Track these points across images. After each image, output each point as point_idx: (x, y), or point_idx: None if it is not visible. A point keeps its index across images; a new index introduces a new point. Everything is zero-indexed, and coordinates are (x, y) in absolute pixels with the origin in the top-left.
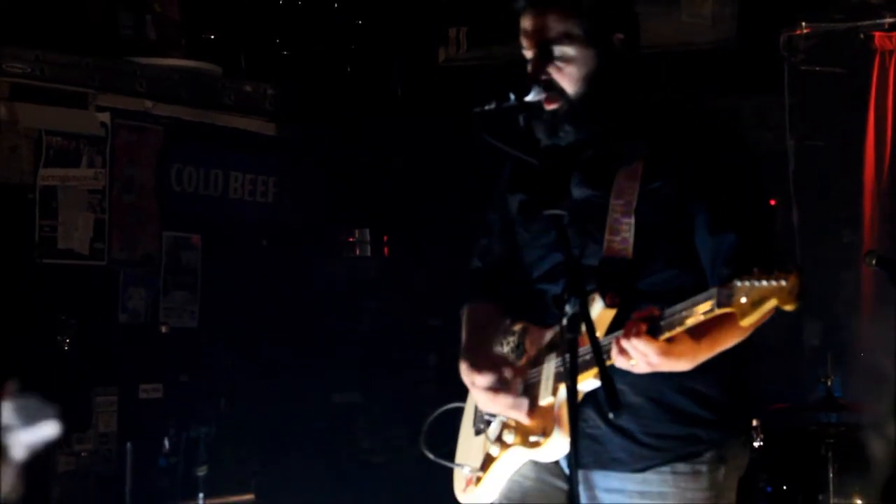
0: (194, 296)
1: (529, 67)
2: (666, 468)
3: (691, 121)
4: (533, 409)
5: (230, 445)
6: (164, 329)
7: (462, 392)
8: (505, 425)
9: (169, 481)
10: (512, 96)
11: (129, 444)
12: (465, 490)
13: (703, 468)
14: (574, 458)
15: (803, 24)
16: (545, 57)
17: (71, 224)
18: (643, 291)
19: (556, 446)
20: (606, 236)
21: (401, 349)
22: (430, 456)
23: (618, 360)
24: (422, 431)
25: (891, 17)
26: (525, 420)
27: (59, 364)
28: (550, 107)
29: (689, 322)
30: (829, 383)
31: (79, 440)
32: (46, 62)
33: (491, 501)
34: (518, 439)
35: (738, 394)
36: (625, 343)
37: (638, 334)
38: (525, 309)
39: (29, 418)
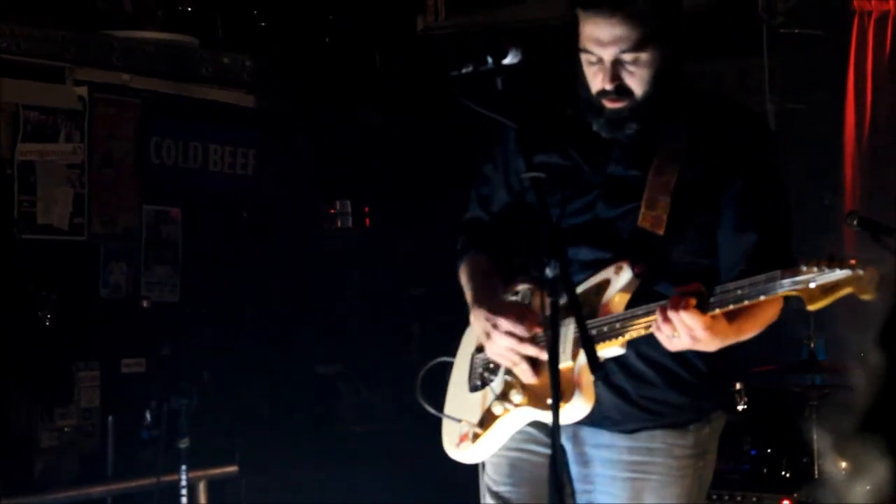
0: (175, 269)
1: (601, 74)
2: (659, 431)
3: (729, 115)
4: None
5: (213, 418)
6: (145, 303)
7: (444, 362)
8: (509, 384)
9: (151, 454)
10: (489, 59)
11: (110, 418)
12: (458, 445)
13: (691, 427)
14: (554, 423)
15: None
16: (619, 63)
17: (50, 199)
18: (667, 270)
19: (576, 410)
20: (643, 209)
21: (383, 319)
22: (427, 407)
23: (661, 331)
24: (416, 383)
25: None
26: (534, 380)
27: (40, 340)
28: (614, 106)
29: (747, 302)
30: (812, 345)
31: (61, 415)
32: (22, 36)
33: (482, 461)
34: (526, 399)
35: (724, 363)
36: (672, 314)
37: (686, 307)
38: (523, 268)
39: None
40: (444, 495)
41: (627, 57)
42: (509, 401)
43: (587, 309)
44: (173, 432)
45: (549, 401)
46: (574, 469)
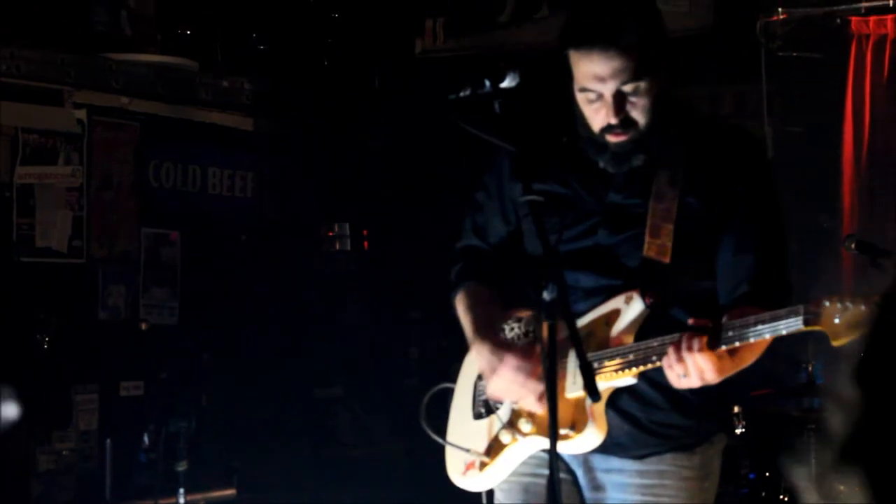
0: (174, 292)
1: (604, 110)
2: (668, 455)
3: (726, 138)
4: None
5: (212, 441)
6: (143, 326)
7: (444, 380)
8: (517, 413)
9: (149, 477)
10: (487, 82)
11: (108, 441)
12: (464, 473)
13: (697, 449)
14: (552, 450)
15: (780, 9)
16: (621, 96)
17: (49, 222)
18: (675, 297)
19: (588, 440)
20: (647, 238)
21: (382, 343)
22: (432, 434)
23: (671, 370)
24: (419, 409)
25: (867, 1)
26: (542, 409)
27: (38, 362)
28: (619, 139)
29: (768, 336)
30: (811, 369)
31: (59, 438)
32: (21, 59)
33: (489, 489)
34: (535, 429)
35: (728, 386)
36: (686, 355)
37: (701, 349)
38: (520, 296)
39: None
40: None
41: (628, 88)
42: (518, 430)
43: (596, 339)
44: (171, 455)
45: (562, 431)
46: (587, 495)
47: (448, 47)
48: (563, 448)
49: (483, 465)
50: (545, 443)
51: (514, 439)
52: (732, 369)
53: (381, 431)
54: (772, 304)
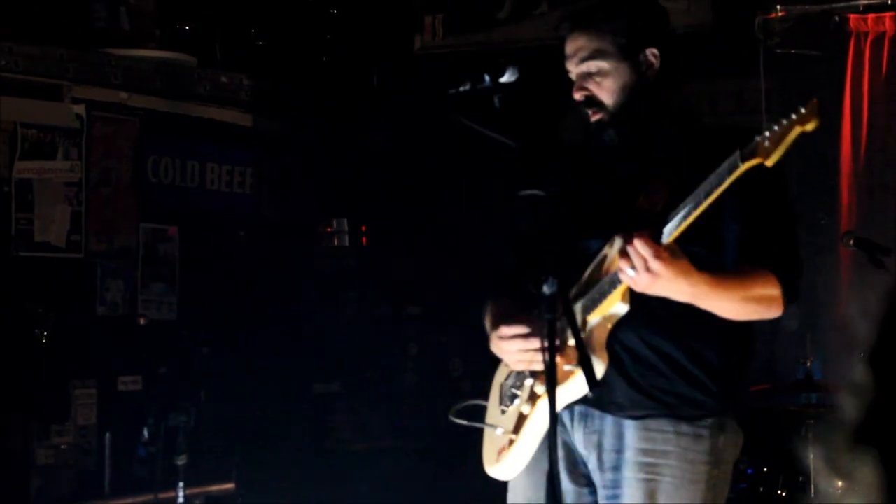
0: (172, 288)
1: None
2: (669, 427)
3: (727, 134)
4: (563, 351)
5: (211, 436)
6: (142, 321)
7: (442, 383)
8: (533, 384)
9: (148, 471)
10: (487, 77)
11: (107, 435)
12: (497, 459)
13: (705, 432)
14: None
15: (778, 7)
16: (586, 76)
17: (47, 217)
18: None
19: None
20: (640, 196)
21: (380, 339)
22: (461, 421)
23: (622, 273)
24: (452, 408)
25: None
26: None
27: (37, 357)
28: (595, 117)
29: (705, 201)
30: (809, 364)
31: (58, 433)
32: (20, 55)
33: (520, 470)
34: None
35: (740, 372)
36: (628, 247)
37: (640, 235)
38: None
39: None
40: None
41: (591, 67)
42: (535, 395)
43: (597, 283)
44: (170, 449)
45: (567, 367)
46: (598, 476)
47: (447, 44)
48: (571, 388)
49: (511, 443)
50: (567, 394)
51: (534, 405)
52: (707, 286)
53: (380, 427)
54: (774, 265)
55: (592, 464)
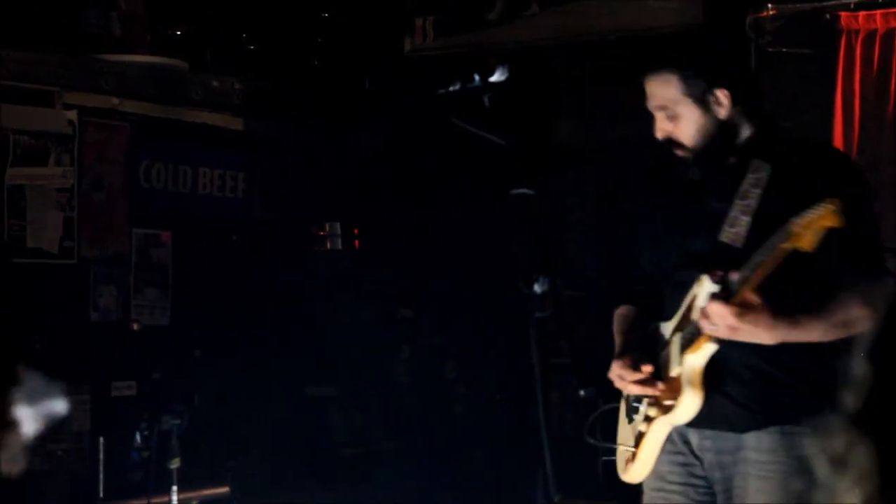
0: (165, 293)
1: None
2: (776, 432)
3: (816, 151)
4: (667, 382)
5: (205, 439)
6: (135, 326)
7: (435, 385)
8: (649, 405)
9: (142, 475)
10: (476, 77)
11: (101, 439)
12: (625, 469)
13: (807, 431)
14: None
15: (769, 5)
16: (664, 118)
17: (40, 223)
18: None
19: (688, 405)
20: (724, 227)
21: (373, 341)
22: (594, 441)
23: (705, 327)
24: (588, 422)
25: None
26: (657, 392)
27: (30, 363)
28: (677, 153)
29: (760, 272)
30: None
31: (52, 439)
32: (11, 60)
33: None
34: (658, 411)
35: (815, 360)
36: (706, 307)
37: (713, 299)
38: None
39: (36, 396)
40: None
41: (664, 112)
42: (649, 417)
43: (685, 321)
44: (164, 453)
45: (667, 403)
46: (717, 474)
47: (437, 45)
48: (673, 419)
49: (633, 456)
50: (668, 419)
51: (649, 426)
52: (787, 327)
53: (374, 430)
54: (861, 271)
55: (707, 464)
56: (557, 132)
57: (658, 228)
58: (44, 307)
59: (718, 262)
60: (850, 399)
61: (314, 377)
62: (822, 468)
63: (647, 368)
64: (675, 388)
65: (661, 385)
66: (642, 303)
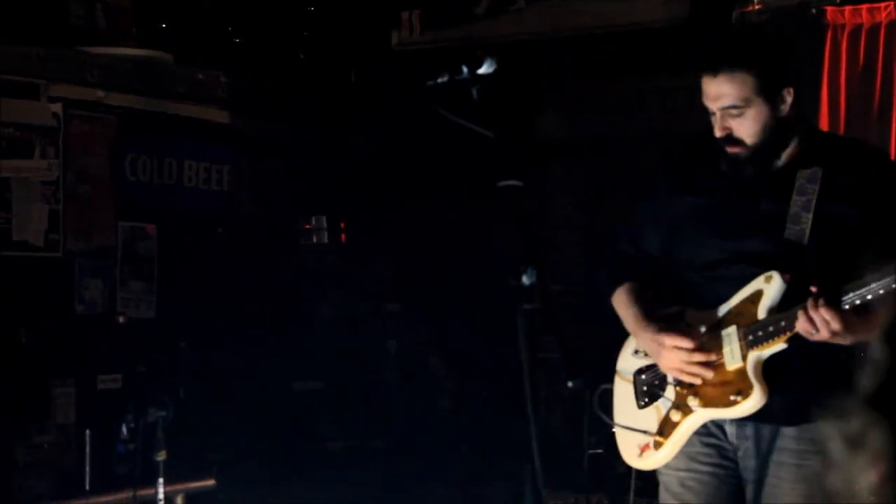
0: (151, 286)
1: (716, 124)
2: (813, 424)
3: (867, 153)
4: (722, 373)
5: (191, 433)
6: (121, 319)
7: (421, 379)
8: (682, 393)
9: (128, 468)
10: (465, 68)
11: (87, 432)
12: (640, 455)
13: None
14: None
15: (755, 0)
16: (727, 115)
17: (25, 216)
18: (813, 275)
19: (756, 402)
20: (788, 224)
21: (360, 336)
22: (608, 419)
23: (802, 328)
24: (593, 400)
25: None
26: (709, 380)
27: (15, 356)
28: (732, 151)
29: (882, 291)
30: None
31: (38, 432)
32: None
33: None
34: (702, 402)
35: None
36: (812, 312)
37: (823, 305)
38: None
39: None
40: None
41: (731, 110)
42: (687, 406)
43: (745, 318)
44: (150, 445)
45: (731, 397)
46: (752, 462)
47: (424, 39)
48: (729, 413)
49: (658, 445)
50: (715, 413)
51: (685, 415)
52: (864, 330)
53: (360, 424)
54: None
55: (743, 452)
56: (542, 126)
57: (684, 220)
58: (29, 300)
59: (780, 260)
60: (867, 381)
61: (301, 371)
62: (838, 451)
63: (711, 356)
64: (731, 382)
65: (713, 375)
66: (646, 283)
